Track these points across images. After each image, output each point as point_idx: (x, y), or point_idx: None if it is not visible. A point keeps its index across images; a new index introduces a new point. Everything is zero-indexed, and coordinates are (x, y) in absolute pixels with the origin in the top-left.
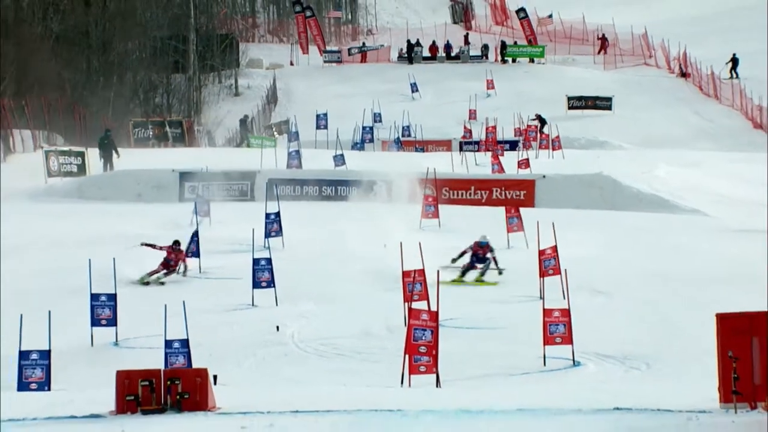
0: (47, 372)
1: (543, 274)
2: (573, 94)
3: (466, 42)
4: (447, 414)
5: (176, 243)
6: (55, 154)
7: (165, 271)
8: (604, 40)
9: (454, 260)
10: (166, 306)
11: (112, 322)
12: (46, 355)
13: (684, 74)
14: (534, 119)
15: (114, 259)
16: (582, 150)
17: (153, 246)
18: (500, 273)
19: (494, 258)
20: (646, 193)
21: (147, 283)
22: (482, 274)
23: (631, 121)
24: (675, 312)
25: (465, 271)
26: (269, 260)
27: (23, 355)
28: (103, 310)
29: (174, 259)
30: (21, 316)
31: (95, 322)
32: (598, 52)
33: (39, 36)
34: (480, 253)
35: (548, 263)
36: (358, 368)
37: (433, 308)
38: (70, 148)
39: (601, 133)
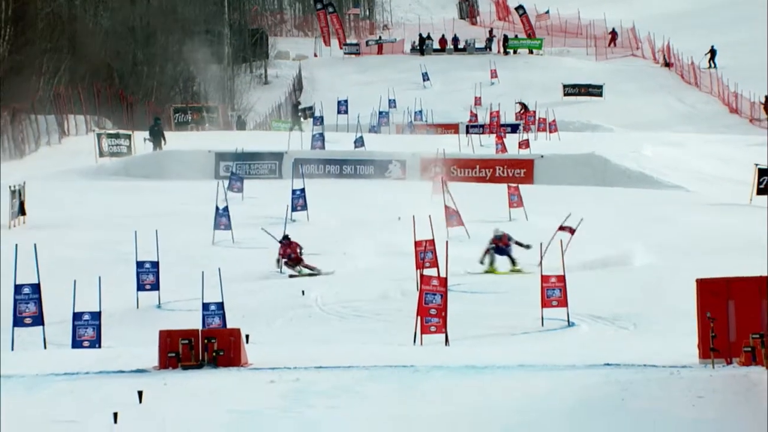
0: (98, 331)
1: (545, 304)
2: (568, 82)
3: (491, 35)
4: (455, 369)
5: (285, 238)
6: (105, 136)
7: (294, 265)
8: (614, 33)
9: (481, 261)
10: (203, 272)
11: (155, 286)
12: (96, 316)
13: (667, 64)
14: (518, 104)
15: (156, 231)
16: (576, 132)
17: (272, 236)
18: (528, 248)
19: (516, 242)
20: (633, 170)
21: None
22: (514, 263)
23: (620, 106)
24: (659, 277)
25: (492, 261)
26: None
27: (77, 316)
28: (147, 275)
29: (293, 252)
30: (74, 281)
31: (140, 287)
32: (609, 45)
33: (90, 31)
34: (501, 245)
35: (551, 293)
36: (375, 328)
37: (443, 275)
38: (118, 131)
39: (593, 117)
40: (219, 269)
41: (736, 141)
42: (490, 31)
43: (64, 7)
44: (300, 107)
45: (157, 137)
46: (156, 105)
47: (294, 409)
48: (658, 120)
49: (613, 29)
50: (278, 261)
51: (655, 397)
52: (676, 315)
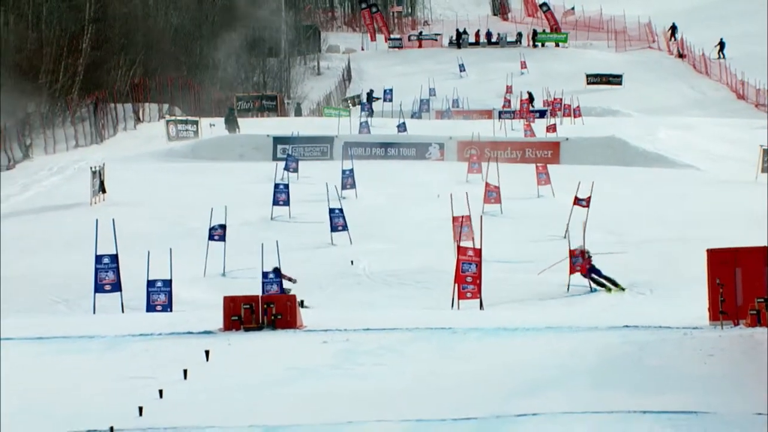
0: (169, 297)
1: (571, 270)
2: (591, 72)
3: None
4: (488, 331)
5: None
6: (175, 122)
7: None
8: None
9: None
10: (262, 245)
11: (222, 238)
12: (168, 283)
13: (681, 55)
14: (527, 93)
15: (226, 206)
16: (598, 117)
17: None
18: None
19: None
20: (649, 151)
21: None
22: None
23: (638, 93)
24: (673, 247)
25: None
26: (341, 210)
27: (150, 283)
28: (213, 239)
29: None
30: (148, 252)
31: (207, 249)
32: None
33: (162, 28)
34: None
35: (576, 261)
36: (416, 295)
37: (477, 246)
38: (187, 118)
39: (614, 103)
40: (276, 242)
41: (742, 124)
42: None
43: (138, 8)
44: (373, 95)
45: (231, 124)
46: (221, 94)
47: (344, 367)
48: (672, 106)
49: (673, 24)
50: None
51: (669, 356)
52: (688, 282)
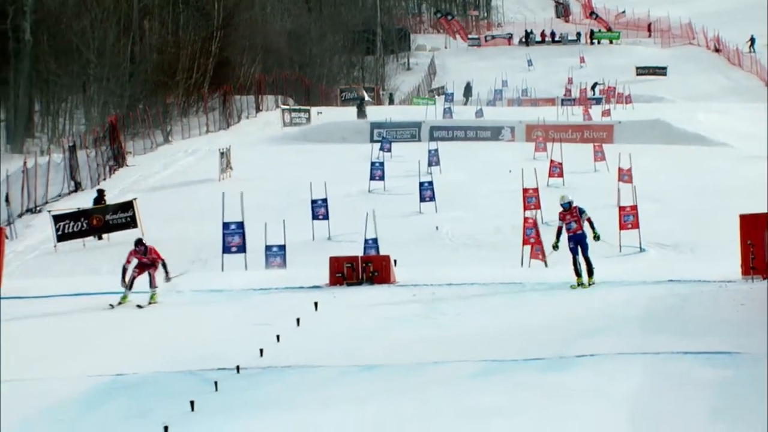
0: (284, 258)
1: (622, 227)
2: (640, 65)
3: (592, 36)
4: (553, 285)
5: (139, 243)
6: (288, 111)
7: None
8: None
9: (555, 246)
10: (366, 213)
11: (326, 216)
12: (282, 247)
13: (717, 50)
14: (592, 87)
15: (325, 182)
16: (646, 103)
17: (124, 271)
18: (597, 239)
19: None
20: (690, 132)
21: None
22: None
23: (680, 83)
24: (710, 213)
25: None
26: (431, 183)
27: (268, 248)
28: (320, 209)
29: (149, 259)
30: (265, 223)
31: (315, 216)
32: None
33: (277, 31)
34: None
35: (627, 218)
36: (491, 255)
37: (544, 215)
38: (299, 107)
39: (659, 91)
40: (373, 210)
41: None
42: (578, 33)
43: (258, 15)
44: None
45: (362, 111)
46: (327, 87)
47: (430, 316)
48: (709, 93)
49: (752, 36)
50: (125, 271)
51: (707, 305)
52: (723, 243)
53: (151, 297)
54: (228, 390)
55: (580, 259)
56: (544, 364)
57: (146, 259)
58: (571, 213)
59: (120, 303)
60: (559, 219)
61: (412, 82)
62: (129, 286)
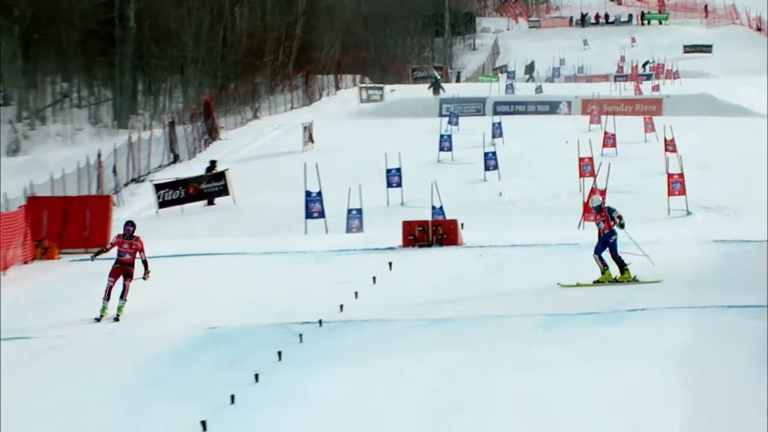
0: (361, 221)
1: (670, 192)
2: (687, 44)
3: (643, 17)
4: None
5: (129, 224)
6: (365, 89)
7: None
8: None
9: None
10: (431, 183)
11: (400, 184)
12: (359, 211)
13: (759, 29)
14: (643, 65)
15: (399, 153)
16: (692, 79)
17: (102, 250)
18: (621, 226)
19: (619, 217)
20: (732, 104)
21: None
22: (623, 268)
23: (724, 59)
24: (752, 179)
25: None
26: (494, 153)
27: (349, 212)
28: (394, 177)
29: (129, 250)
30: (349, 189)
31: (389, 184)
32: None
33: (355, 16)
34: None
35: (675, 186)
36: (550, 219)
37: (599, 182)
38: (375, 85)
39: (705, 67)
40: (437, 181)
41: None
42: (630, 15)
43: (337, 1)
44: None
45: (437, 89)
46: (399, 66)
47: (494, 274)
48: (750, 68)
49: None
50: (95, 255)
51: (750, 263)
52: (764, 205)
53: (118, 309)
54: (311, 341)
55: (607, 257)
56: (599, 318)
57: (127, 247)
58: (600, 213)
59: (101, 317)
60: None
61: (477, 61)
62: (107, 297)
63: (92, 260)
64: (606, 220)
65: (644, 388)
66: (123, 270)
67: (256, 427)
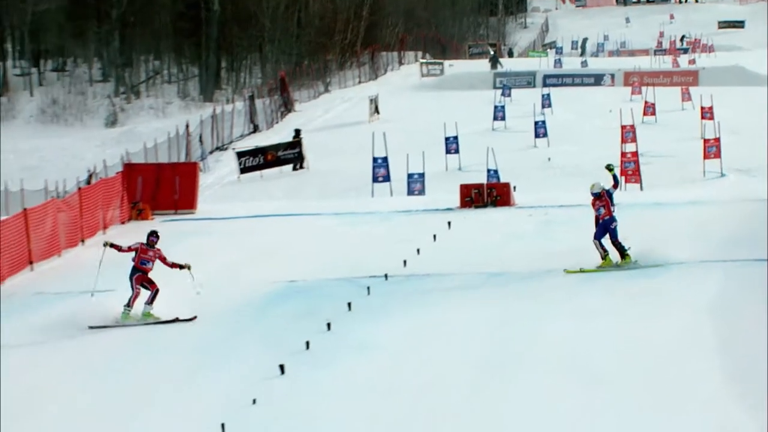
0: (423, 184)
1: (706, 156)
2: (721, 20)
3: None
4: (647, 205)
5: (153, 234)
6: (426, 64)
7: (145, 290)
8: None
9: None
10: (488, 147)
11: (457, 150)
12: (422, 175)
13: None
14: (680, 39)
15: (456, 122)
16: (726, 52)
17: (118, 248)
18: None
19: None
20: (762, 74)
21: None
22: (623, 253)
23: (755, 34)
24: None
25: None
26: (544, 122)
27: (410, 176)
28: (452, 145)
29: (152, 258)
30: (407, 155)
31: (448, 151)
32: None
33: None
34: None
35: (710, 149)
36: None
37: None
38: (435, 60)
39: (738, 41)
40: (491, 148)
41: None
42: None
43: None
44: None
45: (494, 63)
46: (457, 43)
47: (544, 233)
48: None
49: None
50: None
51: None
52: None
53: (147, 315)
54: (378, 294)
55: (607, 243)
56: (638, 272)
57: (152, 254)
58: (600, 199)
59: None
60: (591, 205)
61: (528, 38)
62: (131, 304)
63: (104, 246)
64: (606, 206)
65: (679, 334)
66: (146, 279)
67: (328, 371)
